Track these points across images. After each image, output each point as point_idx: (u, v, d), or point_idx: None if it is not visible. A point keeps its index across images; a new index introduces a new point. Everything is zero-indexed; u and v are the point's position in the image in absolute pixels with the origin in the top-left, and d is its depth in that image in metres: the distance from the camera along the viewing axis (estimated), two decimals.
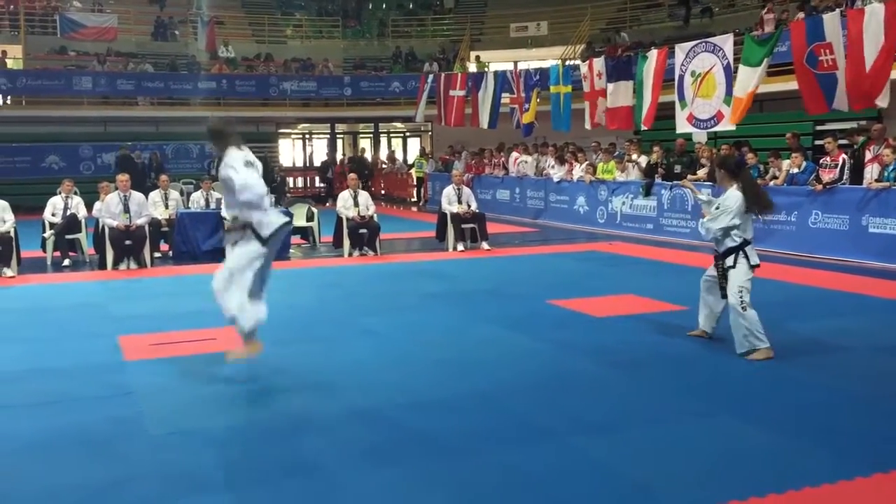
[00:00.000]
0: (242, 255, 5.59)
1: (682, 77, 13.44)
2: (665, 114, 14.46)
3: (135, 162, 21.57)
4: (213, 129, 5.86)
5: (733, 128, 12.86)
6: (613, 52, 21.14)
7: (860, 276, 9.76)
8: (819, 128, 16.11)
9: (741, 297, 6.20)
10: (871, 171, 11.06)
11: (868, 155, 11.33)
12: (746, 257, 6.28)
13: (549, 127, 18.13)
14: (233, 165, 5.54)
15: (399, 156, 28.39)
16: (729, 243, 6.34)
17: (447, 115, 20.60)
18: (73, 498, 3.89)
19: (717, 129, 13.27)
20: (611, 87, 15.35)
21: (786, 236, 11.86)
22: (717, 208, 6.39)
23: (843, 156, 11.53)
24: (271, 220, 5.62)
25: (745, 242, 6.34)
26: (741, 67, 12.23)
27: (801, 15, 15.85)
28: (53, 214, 12.17)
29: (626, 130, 16.23)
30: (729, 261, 6.33)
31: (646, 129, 15.13)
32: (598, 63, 15.87)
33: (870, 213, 10.73)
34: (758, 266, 6.35)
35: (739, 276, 6.25)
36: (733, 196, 6.32)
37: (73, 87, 22.69)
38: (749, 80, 12.15)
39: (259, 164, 5.75)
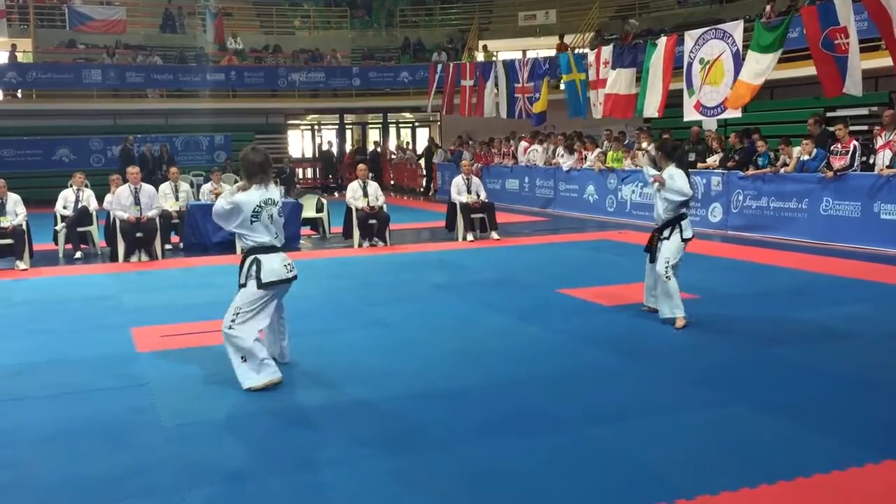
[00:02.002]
0: (245, 295, 5.42)
1: (690, 64, 13.37)
2: (675, 101, 14.39)
3: (133, 155, 21.48)
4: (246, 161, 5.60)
5: (739, 115, 12.79)
6: (626, 39, 21.05)
7: (871, 263, 9.72)
8: (830, 114, 16.02)
9: (667, 266, 6.67)
10: (882, 158, 10.99)
11: (879, 141, 11.26)
12: (681, 230, 6.76)
13: (558, 116, 18.09)
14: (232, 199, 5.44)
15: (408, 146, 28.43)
16: (666, 216, 6.83)
17: (460, 104, 20.55)
18: (87, 487, 3.93)
19: (723, 116, 13.21)
20: (613, 73, 15.27)
21: (797, 223, 11.82)
22: (671, 178, 6.79)
23: (854, 142, 11.47)
24: (274, 266, 5.44)
25: (682, 216, 6.82)
26: (750, 52, 12.14)
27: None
28: (65, 207, 12.23)
29: (622, 118, 16.02)
30: (665, 232, 6.81)
31: (658, 117, 15.05)
32: (606, 51, 15.79)
33: (881, 199, 10.68)
34: (690, 240, 6.82)
35: (671, 248, 6.73)
36: (676, 171, 6.79)
37: (83, 80, 22.77)
38: (759, 66, 12.04)
39: (278, 200, 5.55)
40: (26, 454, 4.37)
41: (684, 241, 6.81)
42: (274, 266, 5.44)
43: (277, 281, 5.43)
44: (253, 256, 5.45)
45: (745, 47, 12.39)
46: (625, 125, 17.69)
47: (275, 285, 5.44)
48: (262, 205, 5.45)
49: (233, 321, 5.38)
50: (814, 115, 13.60)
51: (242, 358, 5.39)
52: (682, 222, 6.82)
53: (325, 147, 27.71)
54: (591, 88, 16.12)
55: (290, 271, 5.53)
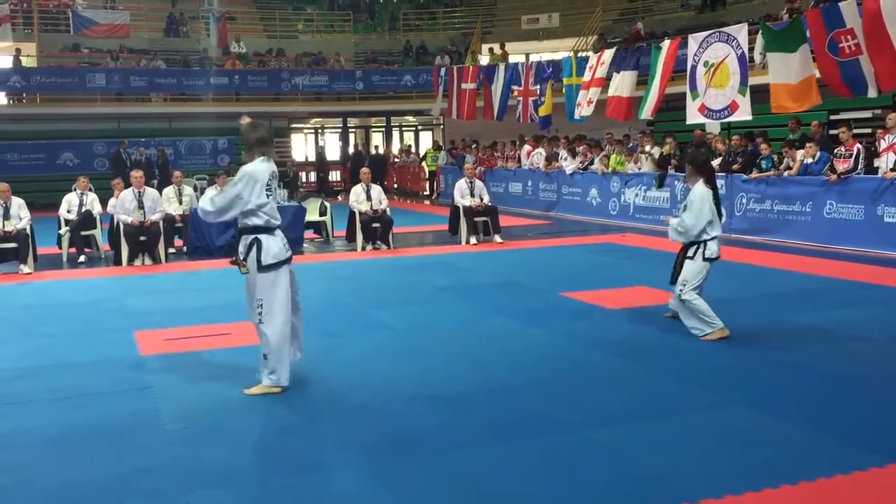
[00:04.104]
0: (260, 285, 5.30)
1: (694, 67, 13.34)
2: (678, 104, 14.37)
3: (124, 160, 21.42)
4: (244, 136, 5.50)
5: (750, 118, 12.73)
6: (633, 40, 21.02)
7: (875, 266, 9.69)
8: (833, 117, 15.99)
9: (682, 288, 6.53)
10: (886, 161, 10.97)
11: (883, 144, 11.25)
12: (704, 250, 6.58)
13: (562, 119, 18.07)
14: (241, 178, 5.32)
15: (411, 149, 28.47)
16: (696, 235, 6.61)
17: (460, 108, 20.56)
18: (89, 490, 3.93)
19: (730, 119, 13.18)
20: (617, 77, 15.23)
21: (800, 226, 11.80)
22: (685, 208, 6.65)
23: (858, 145, 11.45)
24: (273, 248, 5.31)
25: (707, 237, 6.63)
26: (769, 55, 12.10)
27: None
28: (69, 211, 12.26)
29: (625, 121, 15.94)
30: (690, 251, 6.64)
31: (650, 118, 15.00)
32: (608, 54, 15.77)
33: (885, 202, 10.65)
34: (715, 259, 6.63)
35: (692, 269, 6.56)
36: (698, 191, 6.59)
37: (87, 84, 22.80)
38: (786, 66, 11.83)
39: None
40: (29, 457, 4.37)
41: (707, 260, 6.57)
42: (273, 248, 5.32)
43: (276, 263, 5.32)
44: (254, 236, 5.32)
45: (752, 50, 12.34)
46: (628, 128, 17.67)
47: (274, 267, 5.32)
48: (272, 177, 5.36)
49: (260, 314, 5.30)
50: (794, 118, 13.59)
51: (265, 355, 5.34)
52: (709, 241, 6.57)
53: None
54: (582, 88, 16.08)
55: (288, 250, 5.44)
